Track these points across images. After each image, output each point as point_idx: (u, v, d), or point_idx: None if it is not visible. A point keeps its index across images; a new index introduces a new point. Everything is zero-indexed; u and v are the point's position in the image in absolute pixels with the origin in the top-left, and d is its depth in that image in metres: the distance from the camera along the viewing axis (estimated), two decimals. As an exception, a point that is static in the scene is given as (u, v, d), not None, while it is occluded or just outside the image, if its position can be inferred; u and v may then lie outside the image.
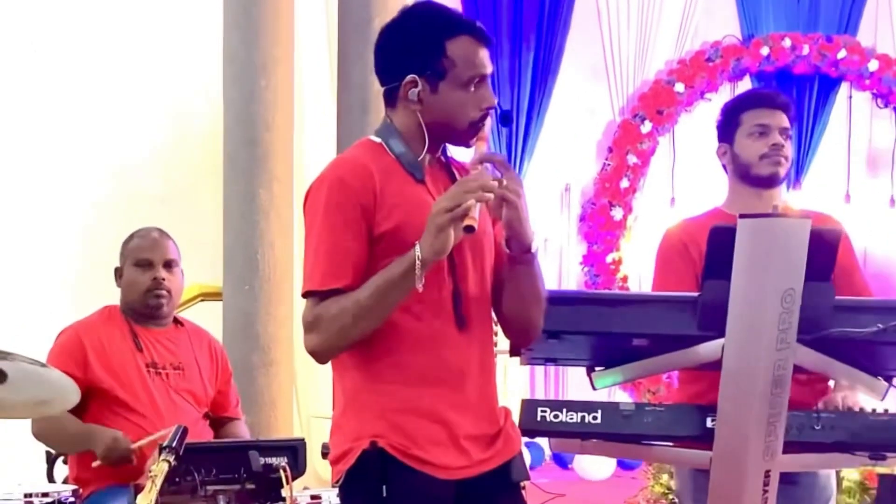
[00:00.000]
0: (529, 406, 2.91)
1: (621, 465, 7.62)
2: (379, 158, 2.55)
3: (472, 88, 2.52)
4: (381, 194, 2.49)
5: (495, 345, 2.69)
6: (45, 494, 3.26)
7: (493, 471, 2.56)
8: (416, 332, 2.50)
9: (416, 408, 2.49)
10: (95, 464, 3.58)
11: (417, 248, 2.40)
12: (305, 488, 3.74)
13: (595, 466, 7.63)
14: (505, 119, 2.66)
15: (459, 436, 2.51)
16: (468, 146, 2.57)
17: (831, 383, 3.21)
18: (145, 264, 3.82)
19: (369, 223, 2.48)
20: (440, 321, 2.51)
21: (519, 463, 2.62)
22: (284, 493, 3.23)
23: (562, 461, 7.98)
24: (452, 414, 2.51)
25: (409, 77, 2.52)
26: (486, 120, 2.55)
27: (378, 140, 2.59)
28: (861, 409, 2.93)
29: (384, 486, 2.45)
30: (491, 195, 2.40)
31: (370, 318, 2.45)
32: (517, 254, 2.52)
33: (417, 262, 2.38)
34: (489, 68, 2.56)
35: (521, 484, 2.66)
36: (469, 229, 2.37)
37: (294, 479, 3.23)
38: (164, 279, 3.80)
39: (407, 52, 2.54)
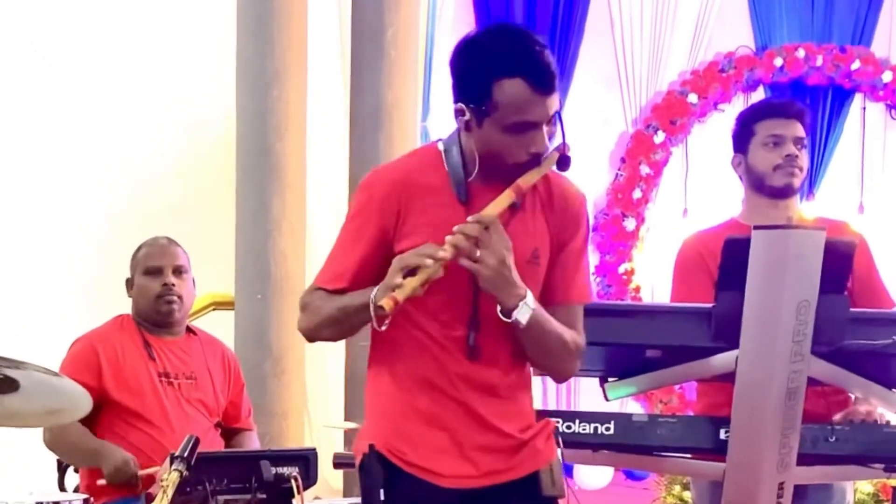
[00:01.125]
0: (542, 417, 2.90)
1: (630, 475, 7.58)
2: (432, 170, 2.51)
3: (517, 133, 2.41)
4: (407, 212, 2.47)
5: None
6: (56, 504, 3.26)
7: (516, 483, 2.51)
8: (427, 347, 2.48)
9: (419, 415, 2.49)
10: (101, 482, 3.61)
11: (375, 289, 2.38)
12: (316, 498, 3.74)
13: (593, 476, 7.57)
14: (562, 163, 2.57)
15: (466, 445, 2.49)
16: None
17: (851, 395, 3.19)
18: (155, 271, 3.82)
19: (386, 238, 2.47)
20: (453, 347, 2.48)
21: (550, 476, 2.53)
22: (295, 502, 3.22)
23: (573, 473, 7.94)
24: (458, 423, 2.48)
25: (458, 105, 2.47)
26: (536, 162, 2.47)
27: (442, 149, 2.54)
28: (876, 422, 2.92)
29: (381, 490, 2.44)
30: (437, 271, 2.32)
31: (338, 327, 2.52)
32: (504, 316, 2.43)
33: (371, 304, 2.37)
34: (541, 116, 2.41)
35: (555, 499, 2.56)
36: (378, 308, 2.32)
37: (305, 489, 3.23)
38: (174, 285, 3.80)
39: (459, 80, 2.48)
